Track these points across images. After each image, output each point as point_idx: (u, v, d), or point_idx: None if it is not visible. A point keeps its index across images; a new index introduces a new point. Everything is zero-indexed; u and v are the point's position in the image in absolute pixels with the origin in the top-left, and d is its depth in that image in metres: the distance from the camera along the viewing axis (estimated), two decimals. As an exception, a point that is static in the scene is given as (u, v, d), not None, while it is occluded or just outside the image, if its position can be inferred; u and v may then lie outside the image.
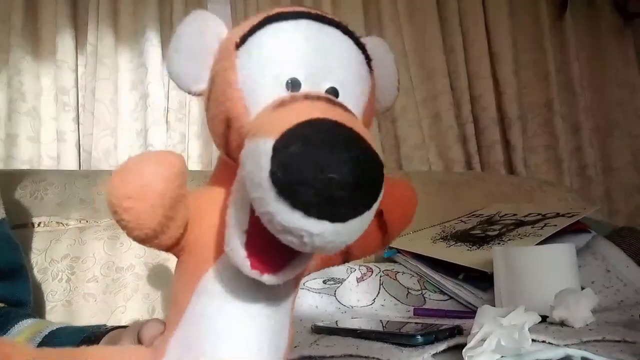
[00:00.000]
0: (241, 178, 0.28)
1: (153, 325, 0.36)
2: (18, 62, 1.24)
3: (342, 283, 0.89)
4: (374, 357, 0.52)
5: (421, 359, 0.51)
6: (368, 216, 0.26)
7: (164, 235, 0.30)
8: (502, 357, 0.49)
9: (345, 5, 1.60)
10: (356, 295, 0.88)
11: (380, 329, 0.65)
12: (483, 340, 0.49)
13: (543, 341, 0.52)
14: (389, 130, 1.58)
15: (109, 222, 0.95)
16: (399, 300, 0.88)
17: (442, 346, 0.54)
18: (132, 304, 0.84)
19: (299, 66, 0.30)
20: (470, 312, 0.76)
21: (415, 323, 0.66)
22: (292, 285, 0.34)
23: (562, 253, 0.74)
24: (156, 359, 0.32)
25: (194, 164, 1.38)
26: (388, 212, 0.37)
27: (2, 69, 1.26)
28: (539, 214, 1.02)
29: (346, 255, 0.40)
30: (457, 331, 0.59)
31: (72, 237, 0.91)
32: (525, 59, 1.81)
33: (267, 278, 0.29)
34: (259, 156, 0.25)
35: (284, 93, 0.30)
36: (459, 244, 0.98)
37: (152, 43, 1.34)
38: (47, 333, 0.58)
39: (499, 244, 0.93)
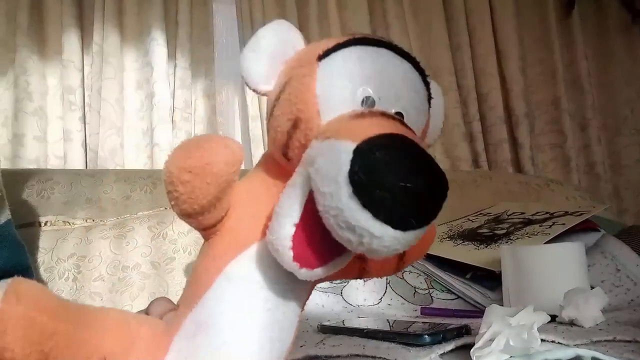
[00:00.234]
0: (303, 173, 0.30)
1: (161, 304, 0.37)
2: (24, 62, 1.25)
3: (348, 282, 0.89)
4: (380, 357, 0.52)
5: (428, 359, 0.51)
6: (422, 231, 0.28)
7: (209, 215, 0.32)
8: (510, 357, 0.48)
9: (351, 4, 1.59)
10: (363, 294, 0.87)
11: (387, 328, 0.65)
12: (491, 340, 0.49)
13: (552, 341, 0.52)
14: (395, 128, 1.57)
15: (115, 221, 0.95)
16: (405, 300, 0.87)
17: (449, 346, 0.54)
18: (138, 302, 0.84)
19: (375, 87, 0.33)
20: (478, 312, 0.76)
21: (423, 322, 0.65)
22: (310, 287, 0.36)
23: (571, 252, 0.73)
24: (170, 331, 0.33)
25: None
26: None
27: (8, 69, 1.26)
28: (547, 213, 1.01)
29: (361, 272, 0.41)
30: (464, 331, 0.58)
31: (79, 236, 0.91)
32: (532, 57, 1.80)
33: (304, 272, 0.30)
34: (337, 155, 0.27)
35: (359, 107, 0.33)
36: (466, 242, 0.98)
37: (158, 42, 1.34)
38: None
39: (506, 242, 0.92)
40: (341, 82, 0.33)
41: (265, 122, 1.38)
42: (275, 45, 0.36)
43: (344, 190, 0.26)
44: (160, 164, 1.29)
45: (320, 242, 0.30)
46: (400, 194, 0.26)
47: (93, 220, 0.95)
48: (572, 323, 0.60)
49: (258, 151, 1.43)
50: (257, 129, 1.44)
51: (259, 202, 0.34)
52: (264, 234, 0.33)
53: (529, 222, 0.99)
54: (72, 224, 0.93)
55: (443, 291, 0.90)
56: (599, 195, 1.74)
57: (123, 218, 0.96)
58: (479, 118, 1.66)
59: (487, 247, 0.93)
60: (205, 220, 0.33)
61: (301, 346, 0.58)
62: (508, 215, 1.08)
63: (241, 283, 0.33)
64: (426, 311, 0.83)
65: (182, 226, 0.93)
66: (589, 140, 1.79)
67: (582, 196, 1.42)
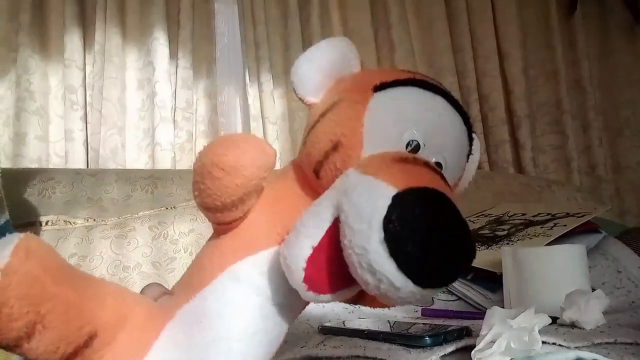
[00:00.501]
0: (333, 199, 0.30)
1: (153, 289, 0.38)
2: (26, 61, 1.25)
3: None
4: (381, 359, 0.52)
5: (429, 361, 0.51)
6: (437, 292, 0.29)
7: (229, 212, 0.32)
8: (511, 359, 0.48)
9: (353, 3, 1.59)
10: (363, 295, 0.87)
11: (388, 329, 0.65)
12: (492, 342, 0.49)
13: (553, 343, 0.52)
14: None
15: (116, 221, 0.95)
16: (406, 301, 0.87)
17: (450, 348, 0.53)
18: (139, 303, 0.84)
19: (424, 133, 0.34)
20: (479, 313, 0.75)
21: (423, 324, 0.65)
22: (305, 304, 0.36)
23: (572, 254, 0.73)
24: (164, 315, 0.34)
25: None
26: None
27: (10, 68, 1.26)
28: (548, 214, 1.01)
29: (357, 300, 0.41)
30: (465, 332, 0.58)
31: (80, 236, 0.91)
32: (534, 58, 1.80)
33: (311, 295, 0.30)
34: (375, 197, 0.28)
35: (402, 148, 0.33)
36: (467, 243, 0.97)
37: (160, 42, 1.34)
38: None
39: (508, 244, 0.92)
40: (392, 120, 0.33)
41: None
42: (333, 60, 0.36)
43: (376, 235, 0.27)
44: (161, 164, 1.29)
45: (333, 270, 0.30)
46: (429, 253, 0.27)
47: (94, 220, 0.95)
48: (573, 325, 0.60)
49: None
50: (258, 129, 1.44)
51: (279, 210, 0.34)
52: (275, 242, 0.33)
53: (530, 224, 0.99)
54: (73, 223, 0.93)
55: (444, 292, 0.90)
56: (601, 196, 1.73)
57: (124, 218, 0.96)
58: (481, 119, 1.66)
59: (488, 248, 0.93)
60: (223, 217, 0.33)
61: (302, 347, 0.58)
62: (509, 217, 1.08)
63: (243, 285, 0.33)
64: (427, 312, 0.83)
65: (183, 226, 0.93)
66: (590, 142, 1.79)
67: (584, 197, 1.41)
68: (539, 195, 1.36)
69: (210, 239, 0.36)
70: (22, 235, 0.28)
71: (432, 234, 0.27)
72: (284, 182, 0.37)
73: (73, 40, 1.29)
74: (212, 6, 1.46)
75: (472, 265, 0.86)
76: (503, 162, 1.66)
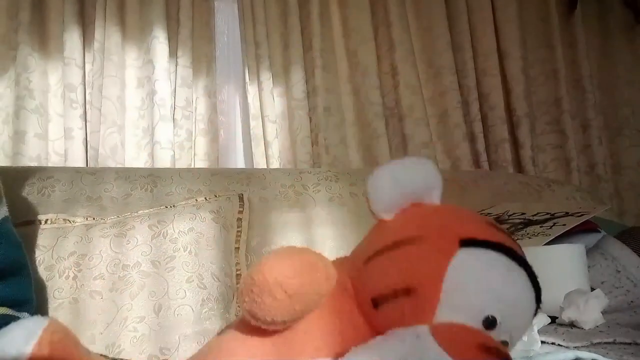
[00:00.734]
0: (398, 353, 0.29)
1: None
2: (25, 60, 1.25)
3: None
4: None
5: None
6: None
7: (277, 327, 0.32)
8: (510, 358, 0.48)
9: (353, 2, 1.59)
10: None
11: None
12: (491, 341, 0.49)
13: (553, 343, 0.52)
14: (396, 128, 1.57)
15: (115, 220, 0.95)
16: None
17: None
18: (138, 301, 0.84)
19: (504, 314, 0.33)
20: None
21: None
22: None
23: (571, 253, 0.73)
24: None
25: (200, 162, 1.38)
26: None
27: (9, 66, 1.26)
28: (547, 213, 1.01)
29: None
30: (464, 332, 0.58)
31: (79, 235, 0.91)
32: (534, 57, 1.79)
33: None
34: None
35: (479, 321, 0.32)
36: (466, 243, 0.97)
37: (159, 40, 1.34)
38: None
39: (507, 243, 0.92)
40: (477, 288, 0.32)
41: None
42: (416, 185, 0.36)
43: None
44: (161, 162, 1.29)
45: None
46: None
47: (94, 219, 0.95)
48: (572, 325, 0.60)
49: (258, 149, 1.43)
50: (258, 128, 1.44)
51: (318, 321, 0.33)
52: (324, 354, 0.33)
53: (529, 223, 0.99)
54: (73, 222, 0.93)
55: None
56: (600, 196, 1.73)
57: (123, 216, 0.96)
58: (480, 118, 1.65)
59: (487, 247, 0.93)
60: (268, 327, 0.32)
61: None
62: (509, 216, 1.08)
63: None
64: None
65: (182, 225, 0.93)
66: (590, 141, 1.79)
67: (583, 197, 1.41)
68: (539, 195, 1.36)
69: (240, 324, 0.34)
70: (45, 323, 0.28)
71: None
72: (343, 297, 0.35)
73: (72, 39, 1.29)
74: (212, 4, 1.46)
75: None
76: (502, 161, 1.66)
